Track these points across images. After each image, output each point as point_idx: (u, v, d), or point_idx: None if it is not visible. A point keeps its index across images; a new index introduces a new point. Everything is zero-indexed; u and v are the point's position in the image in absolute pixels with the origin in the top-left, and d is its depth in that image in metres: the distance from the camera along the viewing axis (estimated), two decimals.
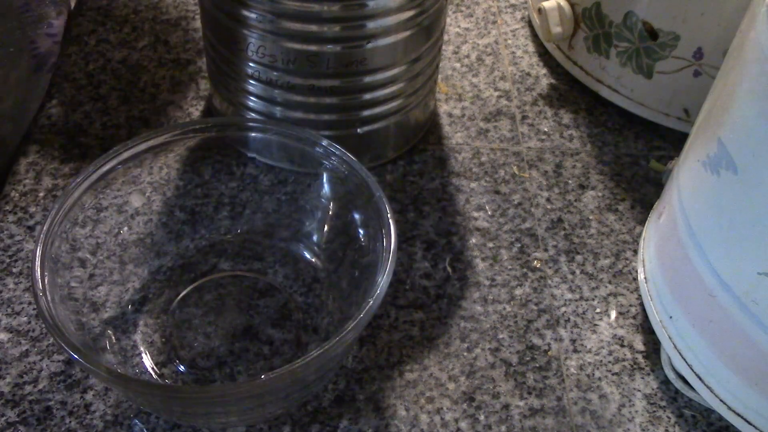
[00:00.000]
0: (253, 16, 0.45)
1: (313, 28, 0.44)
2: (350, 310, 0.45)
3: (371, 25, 0.45)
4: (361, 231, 0.45)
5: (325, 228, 0.47)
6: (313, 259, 0.47)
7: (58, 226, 0.39)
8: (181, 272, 0.47)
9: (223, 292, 0.46)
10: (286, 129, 0.44)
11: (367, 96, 0.49)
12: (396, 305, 0.47)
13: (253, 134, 0.45)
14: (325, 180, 0.45)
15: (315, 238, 0.47)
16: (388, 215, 0.40)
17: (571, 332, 0.46)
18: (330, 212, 0.47)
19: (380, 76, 0.48)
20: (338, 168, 0.43)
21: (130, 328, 0.44)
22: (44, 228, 0.39)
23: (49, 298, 0.36)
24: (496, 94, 0.60)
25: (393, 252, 0.39)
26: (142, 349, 0.43)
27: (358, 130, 0.51)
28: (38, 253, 0.38)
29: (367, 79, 0.48)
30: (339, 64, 0.46)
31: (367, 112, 0.50)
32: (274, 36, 0.45)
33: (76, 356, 0.34)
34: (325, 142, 0.43)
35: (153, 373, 0.42)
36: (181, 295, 0.46)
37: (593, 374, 0.45)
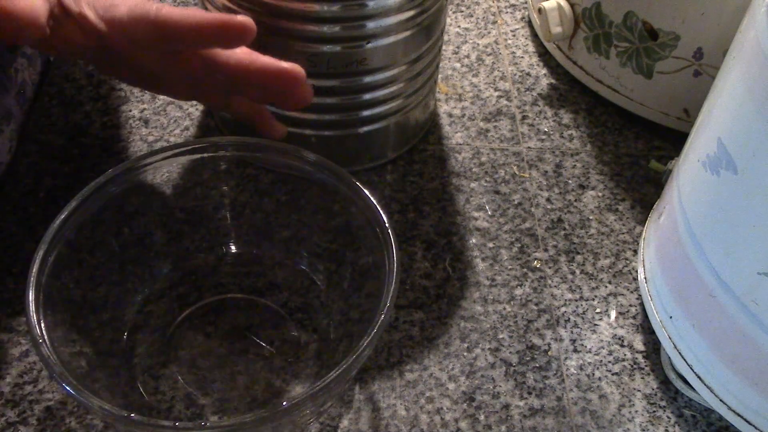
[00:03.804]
0: (253, 16, 0.45)
1: (313, 28, 0.44)
2: (351, 311, 0.45)
3: (371, 25, 0.45)
4: (360, 232, 0.45)
5: (326, 228, 0.47)
6: (314, 259, 0.47)
7: (50, 268, 0.38)
8: (181, 272, 0.47)
9: (223, 291, 0.46)
10: (276, 148, 0.43)
11: (367, 96, 0.49)
12: (396, 305, 0.47)
13: (247, 154, 0.45)
14: (324, 182, 0.45)
15: (315, 238, 0.47)
16: (388, 229, 0.40)
17: (571, 332, 0.46)
18: (330, 212, 0.47)
19: (380, 76, 0.48)
20: (327, 181, 0.43)
21: (131, 329, 0.44)
22: (33, 270, 0.37)
23: (48, 344, 0.35)
24: (496, 94, 0.60)
25: (396, 267, 0.38)
26: (141, 350, 0.43)
27: (359, 130, 0.51)
28: (31, 298, 0.36)
29: (367, 79, 0.48)
30: (339, 64, 0.46)
31: (367, 112, 0.50)
32: (274, 36, 0.45)
33: (88, 402, 0.33)
34: (313, 157, 0.43)
35: (152, 374, 0.42)
36: (181, 294, 0.46)
37: (593, 374, 0.45)
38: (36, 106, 0.56)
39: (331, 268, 0.47)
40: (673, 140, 0.57)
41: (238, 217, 0.48)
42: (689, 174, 0.41)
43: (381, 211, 0.40)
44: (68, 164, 0.52)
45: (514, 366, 0.45)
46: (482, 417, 0.42)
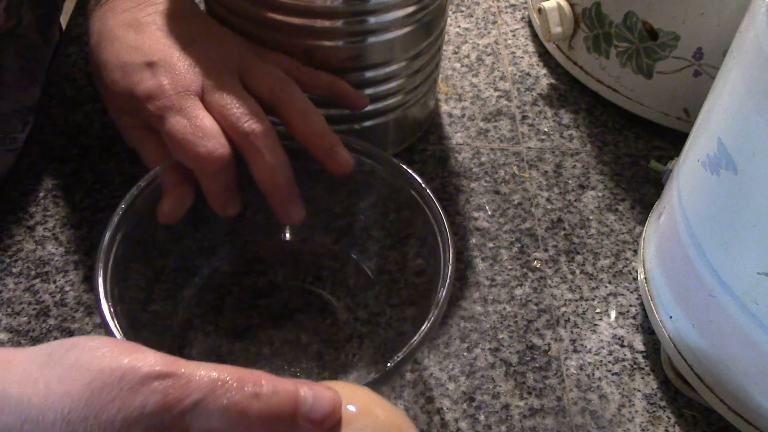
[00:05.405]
0: (252, 11, 0.45)
1: (314, 23, 0.44)
2: (357, 311, 0.45)
3: (371, 20, 0.45)
4: (366, 234, 0.45)
5: (329, 228, 0.47)
6: (316, 259, 0.47)
7: (110, 288, 0.38)
8: (182, 272, 0.47)
9: (224, 291, 0.46)
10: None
11: (367, 91, 0.49)
12: (393, 304, 0.47)
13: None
14: (326, 180, 0.45)
15: (317, 238, 0.47)
16: (446, 230, 0.39)
17: (571, 332, 0.46)
18: (333, 213, 0.47)
19: (379, 72, 0.48)
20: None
21: (136, 327, 0.44)
22: (102, 302, 0.36)
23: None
24: (496, 94, 0.60)
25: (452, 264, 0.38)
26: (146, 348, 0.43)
27: (358, 126, 0.51)
28: (111, 324, 0.36)
29: (367, 74, 0.48)
30: (339, 60, 0.46)
31: (366, 108, 0.50)
32: (275, 31, 0.45)
33: None
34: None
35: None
36: (182, 294, 0.46)
37: (593, 374, 0.45)
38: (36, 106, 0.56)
39: (336, 267, 0.47)
40: (673, 140, 0.57)
41: (239, 217, 0.48)
42: (689, 174, 0.41)
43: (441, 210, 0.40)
44: (68, 164, 0.52)
45: (514, 366, 0.45)
46: (482, 417, 0.42)
